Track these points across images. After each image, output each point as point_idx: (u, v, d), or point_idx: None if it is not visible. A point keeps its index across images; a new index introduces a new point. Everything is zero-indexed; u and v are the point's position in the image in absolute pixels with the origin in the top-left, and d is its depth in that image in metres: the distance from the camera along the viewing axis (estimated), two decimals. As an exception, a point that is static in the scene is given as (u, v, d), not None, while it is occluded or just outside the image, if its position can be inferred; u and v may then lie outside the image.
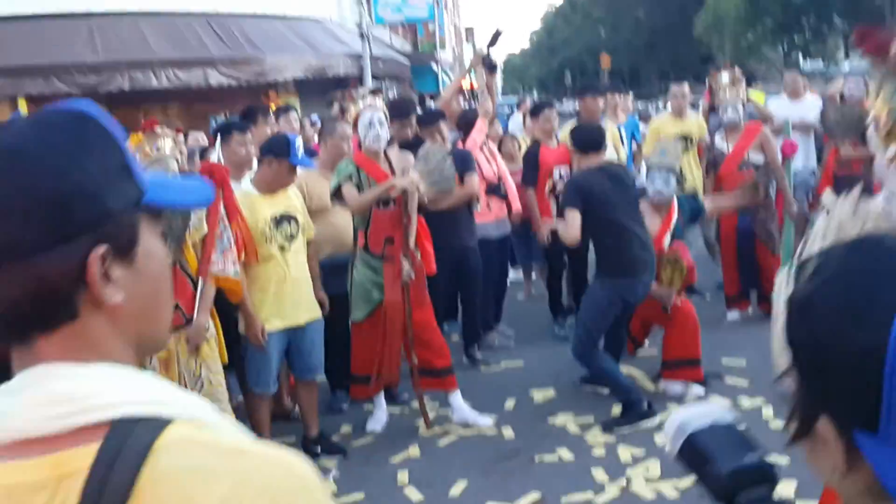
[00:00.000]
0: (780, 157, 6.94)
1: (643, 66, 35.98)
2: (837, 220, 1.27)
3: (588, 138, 5.41)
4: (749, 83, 11.27)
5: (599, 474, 4.38)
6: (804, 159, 7.97)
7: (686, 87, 8.03)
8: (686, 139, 7.52)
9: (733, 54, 27.90)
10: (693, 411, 1.24)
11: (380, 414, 5.25)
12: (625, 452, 4.62)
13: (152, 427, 0.81)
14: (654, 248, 5.28)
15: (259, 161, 4.73)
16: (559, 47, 54.25)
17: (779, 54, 35.02)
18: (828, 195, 1.35)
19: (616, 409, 5.11)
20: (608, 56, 42.09)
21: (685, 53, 40.56)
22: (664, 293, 5.38)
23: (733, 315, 6.86)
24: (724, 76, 7.05)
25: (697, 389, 5.35)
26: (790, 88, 8.46)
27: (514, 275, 7.98)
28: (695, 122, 7.86)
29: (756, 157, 6.85)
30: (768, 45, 35.67)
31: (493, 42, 6.87)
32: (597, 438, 4.85)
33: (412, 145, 5.57)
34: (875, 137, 1.37)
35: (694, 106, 8.74)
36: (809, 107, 8.13)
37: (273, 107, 7.94)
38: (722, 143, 6.97)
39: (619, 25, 47.72)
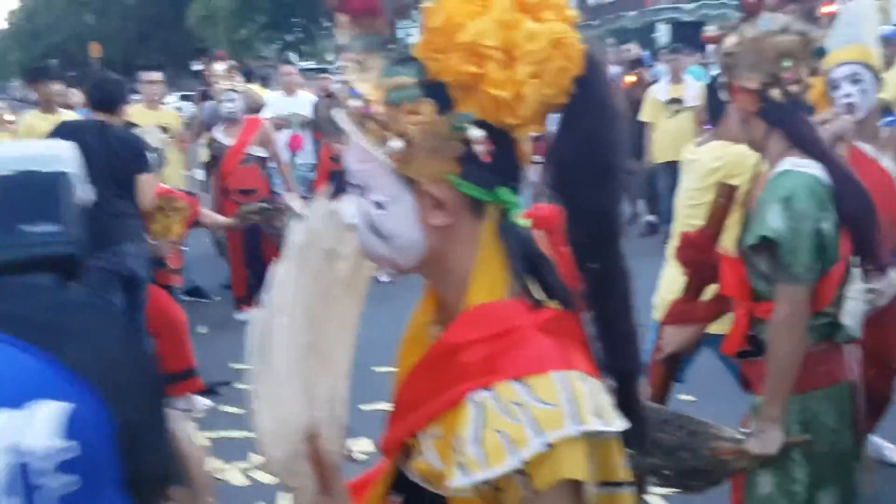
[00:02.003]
0: (284, 152, 6.91)
1: (137, 57, 34.63)
2: (311, 224, 1.22)
3: None
4: (248, 79, 11.23)
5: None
6: (303, 155, 8.13)
7: (155, 75, 7.58)
8: (164, 129, 7.18)
9: (229, 49, 28.06)
10: None
11: None
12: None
13: None
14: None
15: None
16: (43, 32, 49.79)
17: (274, 52, 35.99)
18: (324, 191, 1.31)
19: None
20: (98, 45, 39.86)
21: (180, 45, 39.89)
22: (163, 246, 5.01)
23: (243, 316, 6.61)
24: (219, 66, 6.86)
25: (203, 401, 4.99)
26: (285, 83, 8.57)
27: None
28: (170, 114, 7.64)
29: (258, 151, 6.76)
30: (262, 42, 36.50)
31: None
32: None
33: None
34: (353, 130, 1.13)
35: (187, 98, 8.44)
36: (303, 103, 8.33)
37: None
38: (223, 137, 6.75)
39: (108, 13, 45.34)
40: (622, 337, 1.11)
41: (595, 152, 1.06)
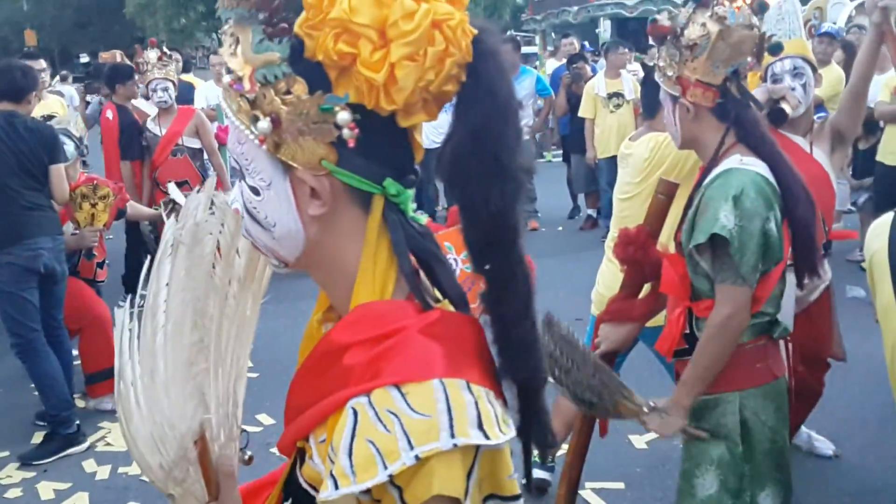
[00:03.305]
0: (215, 141, 6.79)
1: (75, 45, 33.91)
2: (191, 216, 1.15)
3: None
4: (186, 69, 11.03)
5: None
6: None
7: (40, 63, 7.50)
8: (49, 118, 7.04)
9: (168, 38, 27.60)
10: None
11: None
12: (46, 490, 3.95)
13: None
14: None
15: None
16: (-25, 19, 48.47)
17: (214, 41, 35.53)
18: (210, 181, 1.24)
19: (38, 437, 4.37)
20: (33, 32, 39.06)
21: (118, 33, 39.25)
22: (88, 235, 4.87)
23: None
24: (152, 54, 6.71)
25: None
26: (216, 73, 8.47)
27: None
28: (55, 102, 7.54)
29: (191, 142, 6.64)
30: (202, 31, 36.03)
31: None
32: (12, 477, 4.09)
33: None
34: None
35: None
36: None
37: None
38: (155, 127, 6.61)
39: (44, 0, 44.43)
40: (517, 345, 1.03)
41: (483, 146, 0.97)
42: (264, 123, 0.98)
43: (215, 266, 1.16)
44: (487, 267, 1.02)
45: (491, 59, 0.99)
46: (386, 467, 0.89)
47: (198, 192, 1.21)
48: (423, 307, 1.02)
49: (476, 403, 0.94)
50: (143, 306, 1.13)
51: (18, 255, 4.35)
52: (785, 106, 3.39)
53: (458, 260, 1.88)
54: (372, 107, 0.96)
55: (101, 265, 5.20)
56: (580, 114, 8.52)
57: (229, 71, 1.01)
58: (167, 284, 1.13)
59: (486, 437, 0.92)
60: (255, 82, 0.98)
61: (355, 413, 0.93)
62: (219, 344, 1.16)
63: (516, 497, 1.00)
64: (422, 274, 1.07)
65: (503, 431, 0.95)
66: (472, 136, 0.98)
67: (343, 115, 0.96)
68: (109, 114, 6.83)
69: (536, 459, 3.78)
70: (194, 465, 1.08)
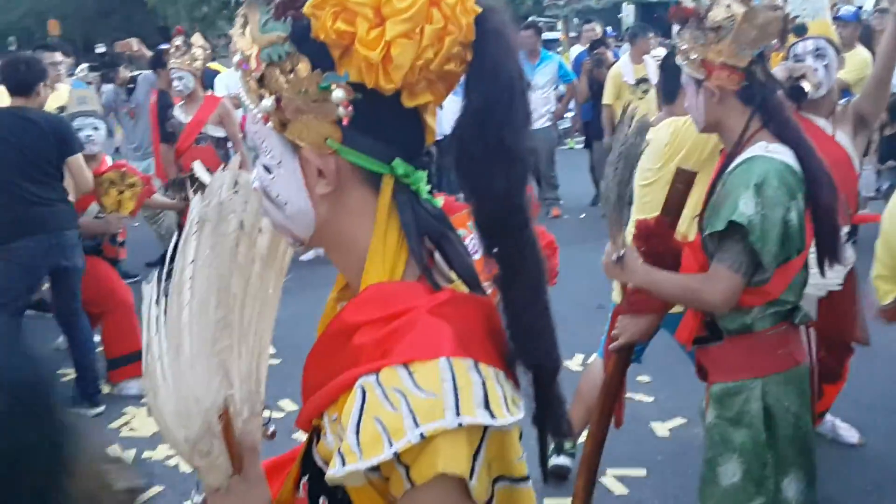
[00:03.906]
0: (240, 132, 6.81)
1: (98, 35, 34.06)
2: (215, 195, 1.18)
3: None
4: (212, 58, 11.07)
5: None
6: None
7: (57, 56, 7.43)
8: (62, 110, 7.14)
9: (190, 26, 27.74)
10: None
11: None
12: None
13: None
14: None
15: None
16: (-1, 9, 48.77)
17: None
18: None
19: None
20: (57, 22, 39.29)
21: (140, 22, 39.41)
22: (114, 221, 4.89)
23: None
24: (176, 42, 6.76)
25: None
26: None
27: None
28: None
29: (215, 131, 6.66)
30: (223, 19, 36.10)
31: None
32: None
33: None
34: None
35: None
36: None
37: None
38: (181, 114, 6.65)
39: (67, -10, 44.59)
40: (527, 329, 1.02)
41: (487, 128, 0.97)
42: (268, 102, 1.00)
43: (239, 245, 1.18)
44: (496, 250, 1.02)
45: (495, 39, 0.98)
46: (392, 445, 0.90)
47: (223, 170, 1.23)
48: (433, 288, 1.02)
49: (483, 383, 0.94)
50: (169, 283, 1.14)
51: (25, 249, 4.35)
52: (805, 84, 3.35)
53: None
54: (372, 85, 0.97)
55: (121, 244, 5.22)
56: (604, 101, 8.43)
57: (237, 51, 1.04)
58: (192, 262, 1.14)
59: (493, 416, 0.92)
60: (262, 62, 1.00)
61: (364, 392, 0.94)
62: (242, 321, 1.18)
63: (525, 478, 1.00)
64: (437, 255, 1.07)
65: (511, 413, 0.95)
66: (474, 117, 0.97)
67: (338, 93, 0.97)
68: (153, 98, 7.31)
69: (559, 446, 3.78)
70: (218, 439, 1.10)
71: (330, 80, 0.97)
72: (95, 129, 5.13)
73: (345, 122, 0.98)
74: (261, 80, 1.01)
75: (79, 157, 4.58)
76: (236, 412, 1.13)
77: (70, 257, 4.56)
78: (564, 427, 1.08)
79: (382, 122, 1.00)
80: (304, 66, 0.98)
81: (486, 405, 0.93)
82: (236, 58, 1.04)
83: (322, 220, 1.06)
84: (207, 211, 1.17)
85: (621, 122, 2.42)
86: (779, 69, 3.31)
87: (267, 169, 1.06)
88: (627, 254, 2.39)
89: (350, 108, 0.98)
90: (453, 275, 1.08)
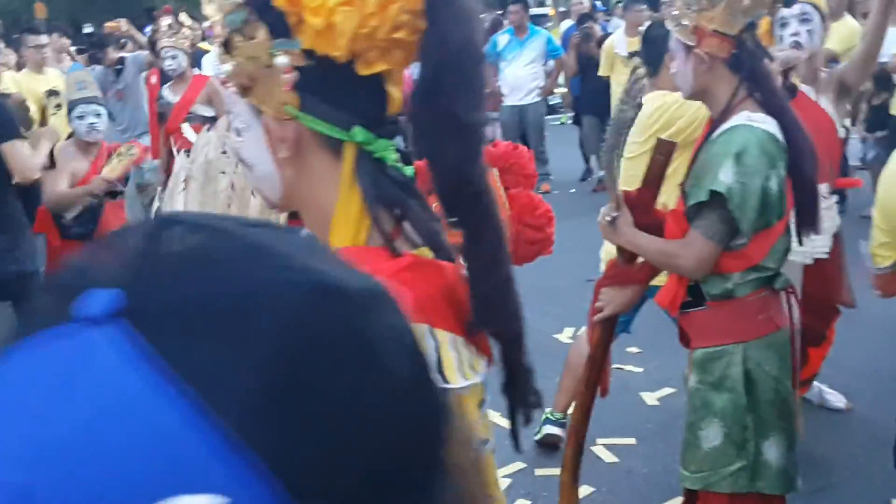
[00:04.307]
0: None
1: (84, 16, 33.77)
2: (202, 154, 1.23)
3: None
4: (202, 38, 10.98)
5: None
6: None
7: (43, 39, 7.48)
8: (53, 93, 7.06)
9: (177, 7, 27.52)
10: None
11: None
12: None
13: None
14: None
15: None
16: (-16, -8, 48.34)
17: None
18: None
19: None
20: (43, 5, 38.99)
21: (128, 3, 39.06)
22: (96, 182, 4.69)
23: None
24: (164, 22, 6.73)
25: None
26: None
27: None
28: (58, 78, 7.31)
29: (204, 110, 6.64)
30: (212, -1, 35.93)
31: None
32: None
33: None
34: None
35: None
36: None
37: None
38: (170, 94, 6.62)
39: (52, -30, 44.17)
40: (486, 297, 1.03)
41: (434, 99, 0.97)
42: (227, 67, 1.03)
43: (230, 206, 1.20)
44: (454, 219, 1.03)
45: (444, 6, 0.97)
46: None
47: (208, 130, 1.26)
48: (392, 253, 1.03)
49: (437, 348, 0.96)
50: None
51: None
52: (795, 80, 3.40)
53: None
54: (322, 52, 0.98)
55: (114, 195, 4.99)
56: (600, 72, 8.36)
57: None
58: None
59: (446, 380, 0.95)
60: (225, 28, 1.02)
61: None
62: None
63: (483, 441, 1.03)
64: (406, 223, 1.08)
65: (466, 377, 0.98)
66: (423, 87, 0.98)
67: (280, 59, 0.99)
68: (153, 79, 7.13)
69: (549, 416, 3.83)
70: None
71: (280, 47, 0.99)
72: (98, 115, 4.84)
73: (286, 88, 1.00)
74: (225, 46, 1.03)
75: (14, 144, 4.03)
76: None
77: (19, 262, 4.10)
78: (531, 397, 1.11)
79: (339, 90, 1.02)
80: (262, 34, 1.00)
81: (439, 370, 0.95)
82: (205, 24, 1.07)
83: (289, 184, 1.08)
84: (192, 168, 1.20)
85: (625, 91, 2.46)
86: (775, 65, 3.34)
87: (238, 132, 1.09)
88: (620, 216, 2.43)
89: (293, 74, 0.99)
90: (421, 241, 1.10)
